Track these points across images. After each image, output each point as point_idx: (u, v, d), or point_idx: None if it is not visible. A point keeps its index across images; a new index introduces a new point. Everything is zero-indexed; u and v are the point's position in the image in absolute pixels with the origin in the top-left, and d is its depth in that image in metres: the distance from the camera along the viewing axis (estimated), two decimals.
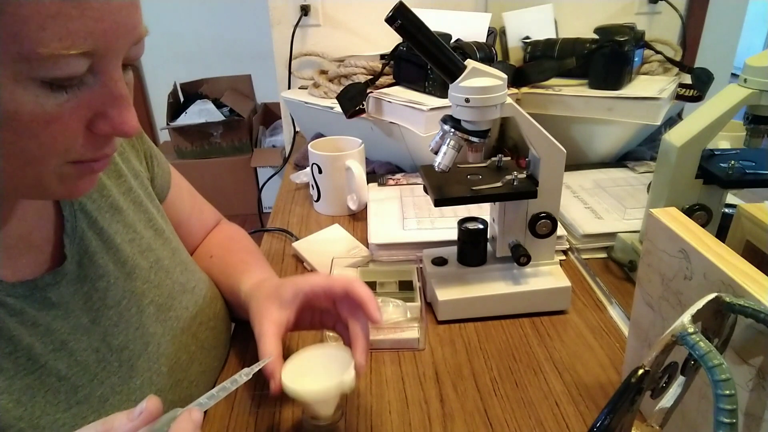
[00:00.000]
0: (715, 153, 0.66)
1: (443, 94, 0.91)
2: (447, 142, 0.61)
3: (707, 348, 0.27)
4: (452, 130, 0.60)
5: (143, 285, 0.51)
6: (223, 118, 2.53)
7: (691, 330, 0.28)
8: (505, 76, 0.58)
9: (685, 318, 0.28)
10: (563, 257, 0.78)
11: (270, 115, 2.80)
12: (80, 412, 0.42)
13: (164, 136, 2.75)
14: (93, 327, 0.45)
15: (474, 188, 0.63)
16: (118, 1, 0.33)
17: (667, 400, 0.34)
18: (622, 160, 1.03)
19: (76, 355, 0.44)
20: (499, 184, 0.64)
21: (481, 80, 0.57)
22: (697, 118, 0.63)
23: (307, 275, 0.53)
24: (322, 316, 0.54)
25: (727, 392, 0.26)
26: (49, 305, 0.43)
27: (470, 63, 0.58)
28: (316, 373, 0.47)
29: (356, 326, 0.49)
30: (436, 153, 0.62)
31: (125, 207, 0.52)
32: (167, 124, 2.51)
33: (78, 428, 0.35)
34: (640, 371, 0.28)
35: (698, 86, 0.98)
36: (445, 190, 0.64)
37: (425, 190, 0.66)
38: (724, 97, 0.62)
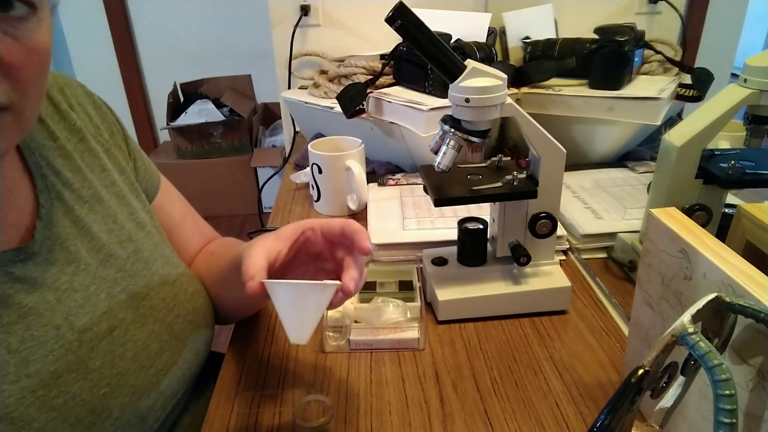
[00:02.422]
0: (715, 153, 0.66)
1: (443, 94, 0.91)
2: (447, 142, 0.61)
3: (707, 348, 0.27)
4: (452, 130, 0.60)
5: (117, 273, 0.52)
6: (223, 118, 2.53)
7: (691, 330, 0.28)
8: (505, 76, 0.58)
9: (685, 318, 0.28)
10: (563, 257, 0.78)
11: (270, 115, 2.80)
12: (29, 385, 0.43)
13: (164, 136, 2.76)
14: (57, 305, 0.46)
15: (474, 188, 0.63)
16: None
17: (667, 400, 0.34)
18: (622, 160, 1.03)
19: (33, 329, 0.44)
20: (499, 184, 0.64)
21: (481, 80, 0.57)
22: (697, 118, 0.63)
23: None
24: (317, 262, 0.55)
25: (727, 392, 0.26)
26: (14, 279, 0.45)
27: (470, 63, 0.58)
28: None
29: (349, 258, 0.50)
30: (436, 153, 0.62)
31: (107, 199, 0.54)
32: (167, 124, 2.51)
33: (24, 401, 0.37)
34: (640, 371, 0.28)
35: (698, 86, 0.98)
36: (445, 190, 0.64)
37: (425, 190, 0.66)
38: (724, 97, 0.62)
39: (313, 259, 0.55)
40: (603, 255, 0.78)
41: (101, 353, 0.48)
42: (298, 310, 0.46)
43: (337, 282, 0.47)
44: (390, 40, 1.01)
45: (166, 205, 0.65)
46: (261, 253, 0.48)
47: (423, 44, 0.57)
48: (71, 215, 0.50)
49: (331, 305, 0.47)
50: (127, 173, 0.58)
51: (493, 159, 0.69)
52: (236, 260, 0.53)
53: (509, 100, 0.59)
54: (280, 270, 0.53)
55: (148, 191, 0.63)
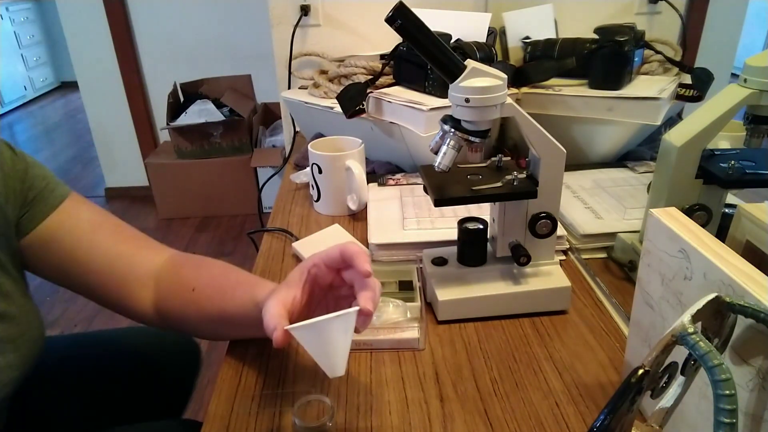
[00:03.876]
0: (715, 153, 0.66)
1: (443, 94, 0.91)
2: (447, 142, 0.61)
3: (707, 348, 0.27)
4: (452, 130, 0.60)
5: None
6: (223, 118, 2.53)
7: (691, 330, 0.28)
8: (505, 76, 0.58)
9: (685, 318, 0.28)
10: (563, 257, 0.78)
11: (270, 115, 2.80)
12: None
13: (164, 136, 2.76)
14: None
15: (474, 188, 0.63)
16: None
17: (667, 400, 0.34)
18: (621, 160, 1.03)
19: None
20: (499, 184, 0.64)
21: (481, 80, 0.57)
22: (698, 118, 0.63)
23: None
24: (333, 291, 0.55)
25: (727, 392, 0.26)
26: None
27: (470, 63, 0.58)
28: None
29: (359, 279, 0.51)
30: (436, 153, 0.62)
31: None
32: (167, 124, 2.51)
33: None
34: (640, 371, 0.28)
35: (698, 86, 0.98)
36: (445, 190, 0.64)
37: (425, 190, 0.66)
38: (725, 97, 0.62)
39: (328, 290, 0.55)
40: (603, 255, 0.78)
41: None
42: (327, 344, 0.47)
43: (356, 308, 0.47)
44: (390, 40, 1.01)
45: (70, 217, 0.64)
46: (276, 304, 0.50)
47: (423, 44, 0.57)
48: None
49: (357, 330, 0.48)
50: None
51: (493, 159, 0.69)
52: (247, 308, 0.56)
53: (509, 100, 0.59)
54: (302, 314, 0.53)
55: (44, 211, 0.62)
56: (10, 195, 0.59)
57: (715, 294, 0.31)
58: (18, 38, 4.61)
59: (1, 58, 4.41)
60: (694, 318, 0.29)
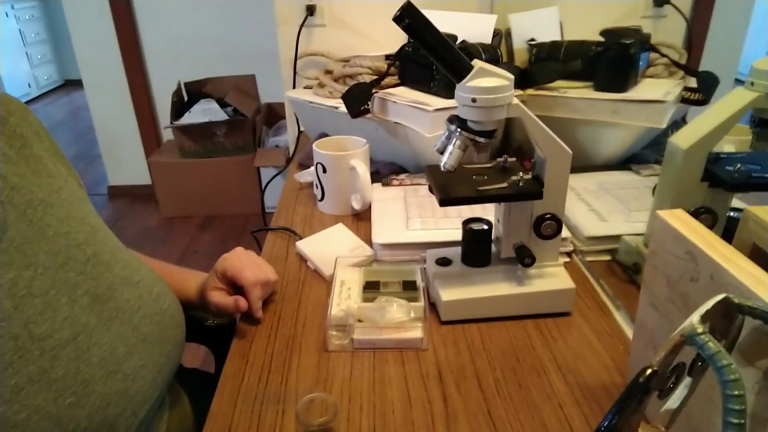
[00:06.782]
0: (721, 156, 0.66)
1: (449, 95, 0.91)
2: (453, 142, 0.61)
3: (716, 348, 0.27)
4: (458, 130, 0.60)
5: (77, 276, 0.50)
6: (227, 117, 2.53)
7: (700, 330, 0.28)
8: (512, 76, 0.58)
9: (694, 318, 0.28)
10: (567, 259, 0.78)
11: (274, 115, 2.80)
12: None
13: (168, 135, 2.76)
14: (15, 313, 0.44)
15: (479, 189, 0.63)
16: None
17: (673, 401, 0.34)
18: (626, 163, 1.03)
19: None
20: (504, 184, 0.63)
21: (488, 80, 0.57)
22: (704, 120, 0.63)
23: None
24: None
25: (737, 392, 0.26)
26: None
27: (477, 63, 0.58)
28: None
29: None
30: (441, 153, 0.62)
31: (57, 204, 0.52)
32: (171, 123, 2.52)
33: None
34: (649, 371, 0.28)
35: (704, 90, 0.97)
36: (450, 190, 0.64)
37: (430, 190, 0.66)
38: (731, 101, 0.62)
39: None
40: (607, 258, 0.78)
41: (65, 361, 0.46)
42: None
43: None
44: (395, 40, 1.01)
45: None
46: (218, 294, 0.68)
47: (430, 43, 0.57)
48: (24, 219, 0.48)
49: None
50: (70, 182, 0.57)
51: (499, 160, 0.69)
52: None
53: (516, 101, 0.59)
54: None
55: None
56: None
57: (724, 295, 0.31)
58: (23, 36, 4.62)
59: (6, 56, 4.42)
60: (703, 319, 0.29)
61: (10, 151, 0.50)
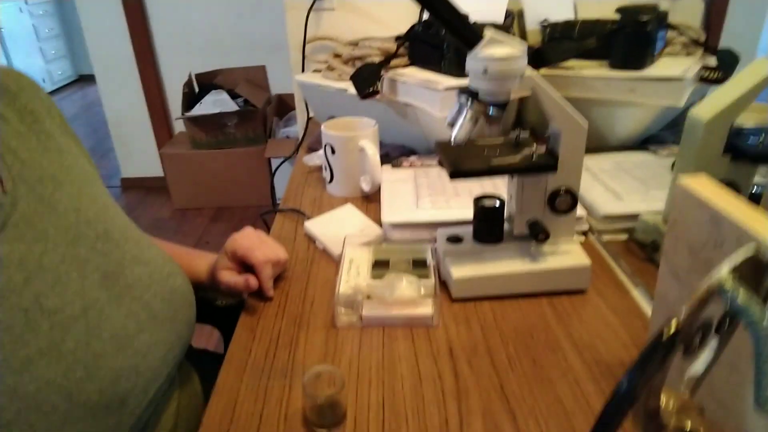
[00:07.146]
0: (744, 129, 0.63)
1: (459, 73, 0.89)
2: (464, 114, 0.59)
3: (748, 301, 0.25)
4: (469, 100, 0.58)
5: (88, 252, 0.49)
6: (238, 108, 2.53)
7: (729, 282, 0.26)
8: (524, 45, 0.57)
9: (724, 270, 0.27)
10: (582, 239, 0.76)
11: (284, 106, 2.80)
12: None
13: (179, 126, 2.76)
14: (25, 287, 0.44)
15: (491, 162, 0.61)
16: None
17: (699, 365, 0.32)
18: (643, 144, 1.00)
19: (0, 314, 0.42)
20: (517, 158, 0.62)
21: (500, 49, 0.56)
22: (725, 92, 0.60)
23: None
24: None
25: None
26: None
27: (489, 32, 0.56)
28: None
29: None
30: (452, 126, 0.60)
31: (68, 180, 0.51)
32: (182, 114, 2.52)
33: None
34: (674, 321, 0.26)
35: (723, 68, 0.94)
36: (461, 163, 0.62)
37: (440, 164, 0.64)
38: (752, 72, 0.60)
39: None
40: (624, 237, 0.76)
41: (75, 335, 0.45)
42: None
43: None
44: (404, 23, 1.00)
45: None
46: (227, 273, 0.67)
47: (441, 12, 0.56)
48: (35, 194, 0.48)
49: None
50: (82, 160, 0.56)
51: (512, 134, 0.67)
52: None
53: (528, 72, 0.57)
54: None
55: None
56: None
57: (755, 244, 0.29)
58: (37, 31, 4.66)
59: (20, 51, 4.47)
60: (732, 273, 0.27)
61: (21, 127, 0.50)
